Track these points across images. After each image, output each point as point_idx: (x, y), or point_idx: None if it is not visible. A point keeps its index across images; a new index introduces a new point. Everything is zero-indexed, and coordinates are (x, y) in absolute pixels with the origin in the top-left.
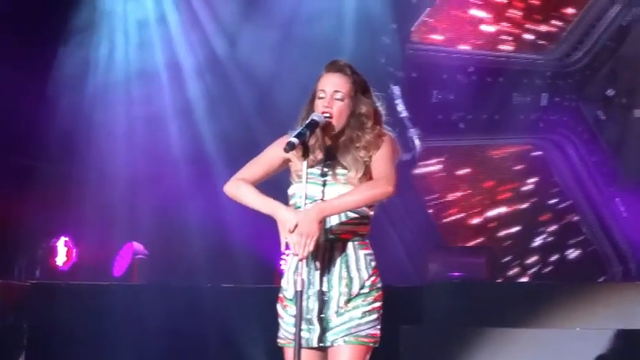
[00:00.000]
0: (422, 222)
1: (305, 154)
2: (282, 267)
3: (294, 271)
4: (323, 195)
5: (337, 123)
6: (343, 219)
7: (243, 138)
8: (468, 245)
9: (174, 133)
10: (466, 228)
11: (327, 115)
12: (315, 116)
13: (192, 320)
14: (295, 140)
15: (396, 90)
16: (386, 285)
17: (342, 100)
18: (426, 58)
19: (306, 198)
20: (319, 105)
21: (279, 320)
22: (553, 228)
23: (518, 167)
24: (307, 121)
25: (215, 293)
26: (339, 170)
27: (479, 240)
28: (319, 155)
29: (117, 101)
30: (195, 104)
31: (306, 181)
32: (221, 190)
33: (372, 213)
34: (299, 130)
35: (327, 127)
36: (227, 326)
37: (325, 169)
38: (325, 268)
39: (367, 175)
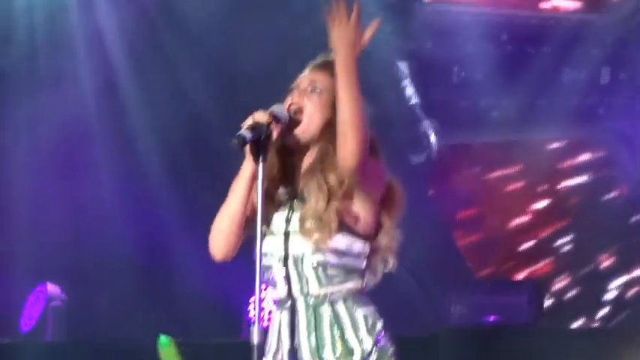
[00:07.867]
0: (440, 247)
1: (259, 156)
2: (250, 315)
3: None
4: (286, 251)
5: (308, 125)
6: (322, 279)
7: (189, 132)
8: (504, 278)
9: (96, 125)
10: (500, 253)
11: (295, 108)
12: (276, 107)
13: None
14: (247, 134)
15: (404, 67)
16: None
17: (319, 93)
18: (445, 22)
19: (261, 254)
20: (287, 101)
21: None
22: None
23: (570, 170)
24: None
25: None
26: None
27: (520, 271)
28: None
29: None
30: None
31: (261, 197)
32: (163, 209)
33: (363, 265)
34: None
35: (290, 127)
36: None
37: (288, 209)
38: (312, 338)
39: (334, 208)
